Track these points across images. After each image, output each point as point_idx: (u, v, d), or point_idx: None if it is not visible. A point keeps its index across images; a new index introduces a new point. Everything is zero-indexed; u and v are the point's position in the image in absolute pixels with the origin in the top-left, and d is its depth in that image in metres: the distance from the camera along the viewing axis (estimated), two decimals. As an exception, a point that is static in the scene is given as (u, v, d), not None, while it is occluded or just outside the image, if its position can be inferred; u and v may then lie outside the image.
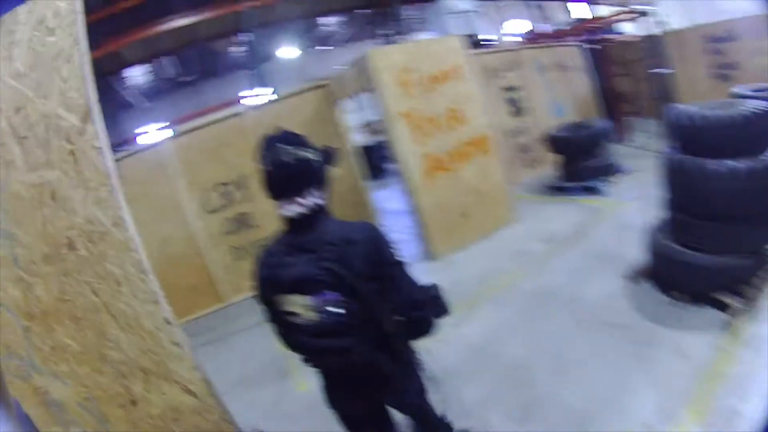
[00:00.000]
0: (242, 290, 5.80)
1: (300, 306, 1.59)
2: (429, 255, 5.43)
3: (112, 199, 1.76)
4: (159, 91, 14.80)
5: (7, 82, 1.68)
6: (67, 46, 1.71)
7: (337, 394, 1.89)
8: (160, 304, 1.91)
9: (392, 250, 1.70)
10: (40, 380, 1.76)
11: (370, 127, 15.17)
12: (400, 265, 1.71)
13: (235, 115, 5.84)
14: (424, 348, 1.95)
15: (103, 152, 1.77)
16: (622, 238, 4.53)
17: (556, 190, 6.45)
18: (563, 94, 7.99)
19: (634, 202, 5.34)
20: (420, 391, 2.05)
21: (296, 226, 1.63)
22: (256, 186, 5.74)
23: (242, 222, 5.81)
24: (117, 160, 5.25)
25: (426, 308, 1.76)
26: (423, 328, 1.77)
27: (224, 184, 5.76)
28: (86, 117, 1.72)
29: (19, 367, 1.73)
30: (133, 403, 1.88)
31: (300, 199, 1.59)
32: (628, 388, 2.73)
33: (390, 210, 7.92)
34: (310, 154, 1.62)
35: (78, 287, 1.75)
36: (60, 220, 1.71)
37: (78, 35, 1.71)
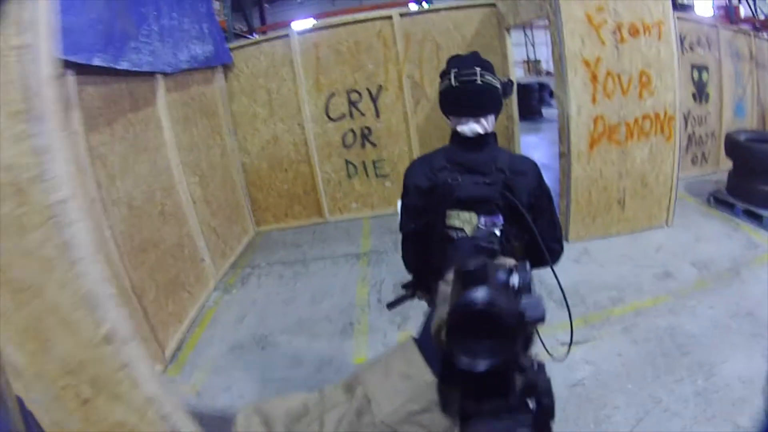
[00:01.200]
0: (345, 210, 5.34)
1: (465, 222, 1.65)
2: (563, 233, 4.36)
3: (38, 133, 1.06)
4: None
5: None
6: None
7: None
8: (100, 310, 1.25)
9: (547, 188, 1.73)
10: (-2, 338, 1.31)
11: (531, 66, 13.95)
12: (552, 200, 1.75)
13: (384, 18, 4.94)
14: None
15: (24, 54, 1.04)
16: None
17: (718, 201, 5.00)
18: (749, 93, 6.33)
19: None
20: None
21: (468, 145, 1.66)
22: (386, 100, 4.98)
23: (363, 137, 5.11)
24: (243, 46, 5.10)
25: (559, 243, 1.79)
26: (552, 260, 1.71)
27: (354, 91, 5.03)
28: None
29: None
30: (84, 402, 1.37)
31: (480, 120, 1.64)
32: None
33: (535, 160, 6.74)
34: (495, 81, 1.65)
35: (8, 256, 1.17)
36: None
37: None
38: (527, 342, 0.81)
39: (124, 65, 3.43)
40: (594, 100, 4.06)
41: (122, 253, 3.29)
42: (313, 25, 4.93)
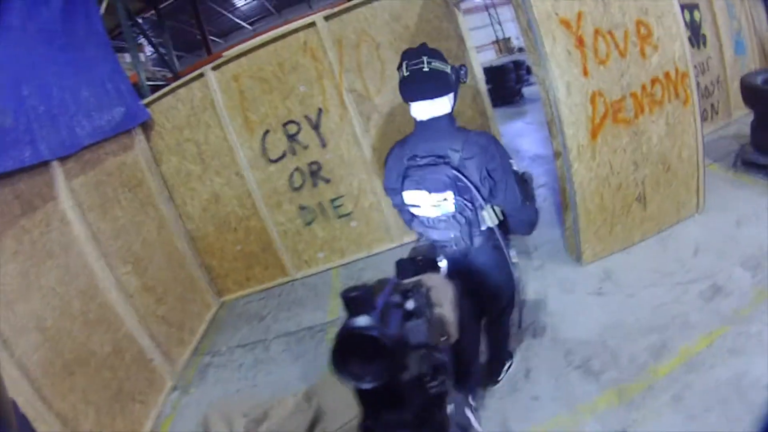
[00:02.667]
0: (311, 263, 4.43)
1: (422, 200, 1.83)
2: (573, 254, 3.41)
3: None
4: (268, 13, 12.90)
5: None
6: None
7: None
8: None
9: (506, 159, 1.80)
10: None
11: (502, 45, 13.44)
12: (508, 171, 1.79)
13: (308, 26, 3.99)
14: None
15: None
16: None
17: (747, 163, 3.93)
18: (744, 26, 5.27)
19: None
20: (509, 288, 2.09)
21: (425, 129, 1.82)
22: (330, 125, 4.07)
23: (313, 174, 4.17)
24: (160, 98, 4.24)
25: (525, 213, 1.89)
26: (523, 229, 1.95)
27: (290, 122, 4.08)
28: None
29: None
30: None
31: (432, 102, 1.77)
32: None
33: (522, 152, 5.69)
34: (444, 66, 1.78)
35: None
36: None
37: None
38: (428, 362, 0.68)
39: (3, 167, 2.74)
40: (585, 71, 3.02)
41: (40, 387, 2.64)
42: (227, 55, 4.04)
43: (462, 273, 1.81)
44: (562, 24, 2.93)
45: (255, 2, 12.02)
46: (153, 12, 7.51)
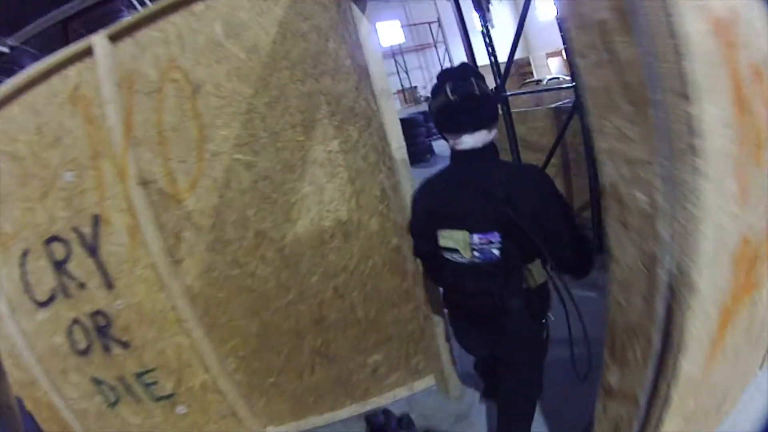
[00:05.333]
0: None
1: (460, 242, 1.49)
2: None
3: None
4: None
5: None
6: None
7: (465, 334, 1.70)
8: None
9: (557, 194, 1.48)
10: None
11: (408, 95, 12.35)
12: (561, 206, 1.47)
13: (81, 55, 2.05)
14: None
15: None
16: None
17: None
18: None
19: None
20: (536, 355, 1.63)
21: (467, 161, 1.51)
22: (115, 246, 2.17)
23: (101, 333, 2.28)
24: None
25: (581, 261, 1.46)
26: (574, 271, 1.48)
27: (56, 239, 2.20)
28: None
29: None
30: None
31: (477, 133, 1.47)
32: None
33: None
34: (488, 89, 1.50)
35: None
36: None
37: None
38: None
39: None
40: (744, 195, 0.94)
41: None
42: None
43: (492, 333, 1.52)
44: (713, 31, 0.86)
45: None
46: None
